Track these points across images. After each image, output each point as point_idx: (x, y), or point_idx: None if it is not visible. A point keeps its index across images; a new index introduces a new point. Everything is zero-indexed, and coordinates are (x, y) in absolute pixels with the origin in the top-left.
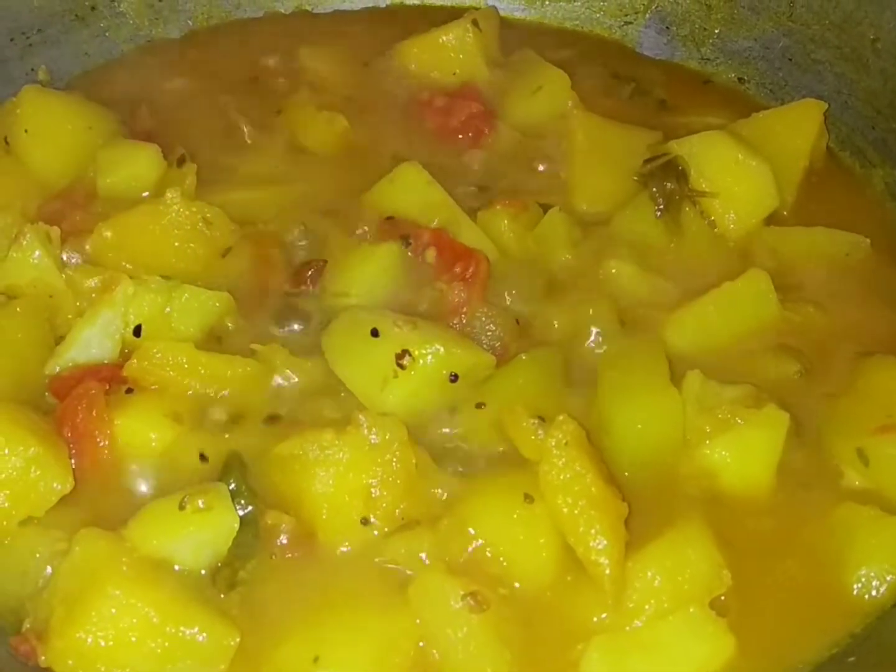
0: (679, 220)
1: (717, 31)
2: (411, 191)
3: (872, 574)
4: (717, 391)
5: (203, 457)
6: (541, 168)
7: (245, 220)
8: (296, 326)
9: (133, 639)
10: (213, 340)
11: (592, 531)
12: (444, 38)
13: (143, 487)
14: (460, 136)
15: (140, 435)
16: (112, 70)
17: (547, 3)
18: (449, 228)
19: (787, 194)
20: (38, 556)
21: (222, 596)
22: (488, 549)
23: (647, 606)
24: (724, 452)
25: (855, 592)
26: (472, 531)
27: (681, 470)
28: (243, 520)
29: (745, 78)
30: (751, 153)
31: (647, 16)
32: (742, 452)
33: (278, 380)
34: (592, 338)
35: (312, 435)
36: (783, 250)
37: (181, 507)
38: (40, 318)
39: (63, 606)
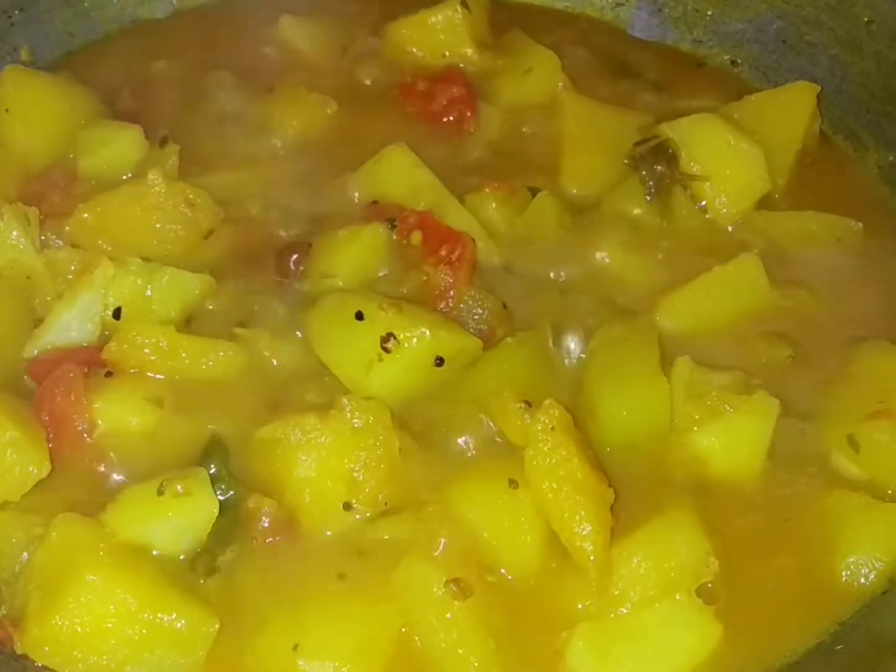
0: (669, 204)
1: (709, 13)
2: (398, 173)
3: (861, 561)
4: (706, 377)
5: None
6: (530, 151)
7: (229, 201)
8: (279, 309)
9: (110, 625)
10: (195, 323)
11: (577, 517)
12: (433, 18)
13: (122, 472)
14: (444, 120)
15: (119, 419)
16: (96, 50)
17: None
18: (436, 211)
19: (780, 178)
20: (14, 541)
21: (202, 582)
22: (472, 535)
23: (632, 593)
24: (713, 439)
25: (844, 580)
26: (456, 517)
27: (669, 456)
28: (223, 505)
29: (738, 60)
30: (743, 136)
31: None
32: (731, 439)
33: (261, 363)
34: (581, 322)
35: (295, 419)
36: (775, 234)
37: (160, 493)
38: (18, 300)
39: (40, 592)
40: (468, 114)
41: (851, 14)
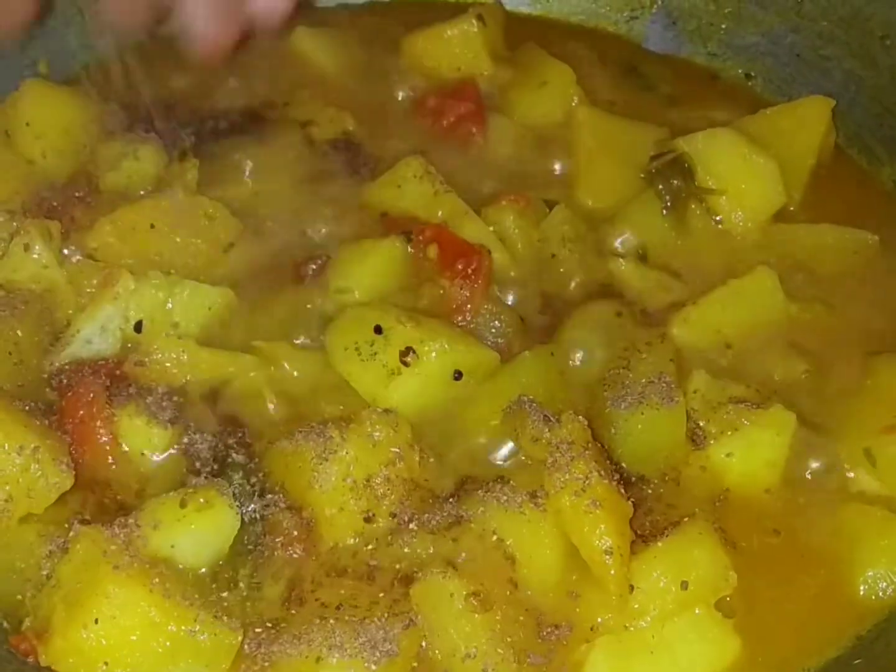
0: (685, 218)
1: (724, 27)
2: (414, 185)
3: (880, 575)
4: (722, 391)
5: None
6: (546, 164)
7: (248, 215)
8: (298, 322)
9: (134, 638)
10: (215, 336)
11: (597, 531)
12: (449, 32)
13: (144, 484)
14: (454, 136)
15: (141, 431)
16: (114, 64)
17: None
18: (452, 224)
19: (795, 191)
20: (37, 553)
21: (224, 594)
22: (493, 548)
23: (652, 607)
24: (729, 453)
25: (862, 593)
26: (476, 530)
27: (686, 470)
28: (245, 517)
29: (753, 74)
30: (758, 150)
31: (654, 10)
32: (748, 453)
33: (280, 376)
34: (597, 335)
35: (315, 431)
36: (791, 248)
37: (182, 505)
38: (40, 313)
39: (63, 605)
40: (474, 130)
41: (866, 28)
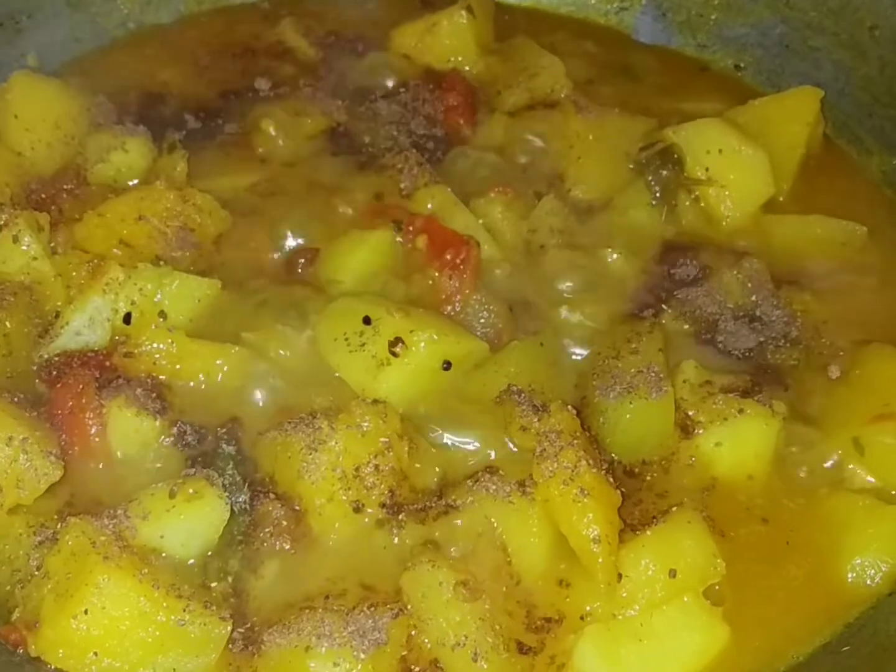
0: (675, 208)
1: (713, 18)
2: (404, 176)
3: (867, 563)
4: (712, 381)
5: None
6: (535, 155)
7: (237, 206)
8: (287, 314)
9: (123, 628)
10: (204, 328)
11: (585, 520)
12: (438, 24)
13: (133, 475)
14: (444, 126)
15: (130, 423)
16: (103, 56)
17: None
18: (441, 215)
19: (784, 182)
20: (26, 544)
21: (213, 584)
22: (482, 537)
23: (640, 595)
24: (718, 442)
25: (850, 581)
26: (465, 519)
27: (675, 459)
28: (234, 508)
29: (742, 65)
30: (747, 141)
31: (643, 2)
32: (737, 442)
33: (269, 367)
34: (587, 324)
35: (304, 422)
36: (780, 238)
37: (171, 496)
38: (30, 305)
39: (53, 595)
40: (462, 122)
41: (855, 19)
